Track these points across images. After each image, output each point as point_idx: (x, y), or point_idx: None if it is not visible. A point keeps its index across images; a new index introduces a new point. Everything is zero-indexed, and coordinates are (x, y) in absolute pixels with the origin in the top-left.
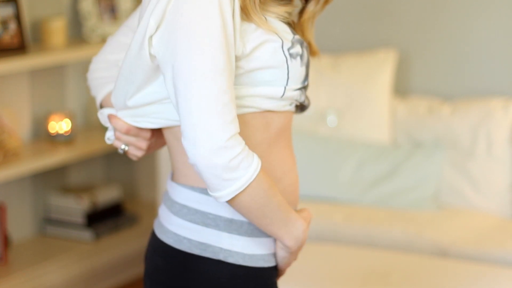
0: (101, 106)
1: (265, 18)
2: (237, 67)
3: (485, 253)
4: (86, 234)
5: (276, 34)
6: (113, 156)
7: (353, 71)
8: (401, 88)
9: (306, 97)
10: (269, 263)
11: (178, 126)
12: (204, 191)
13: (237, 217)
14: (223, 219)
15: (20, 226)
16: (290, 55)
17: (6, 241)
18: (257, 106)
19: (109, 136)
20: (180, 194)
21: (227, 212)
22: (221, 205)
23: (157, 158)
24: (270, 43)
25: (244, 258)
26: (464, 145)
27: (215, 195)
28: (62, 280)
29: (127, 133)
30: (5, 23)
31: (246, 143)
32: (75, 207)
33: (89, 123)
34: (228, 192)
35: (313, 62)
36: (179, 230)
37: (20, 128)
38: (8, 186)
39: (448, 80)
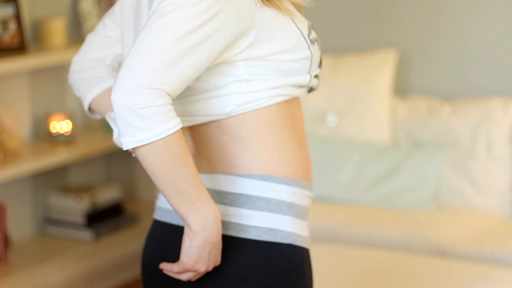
0: (90, 108)
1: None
2: (255, 53)
3: (485, 253)
4: (86, 234)
5: (293, 21)
6: (113, 156)
7: (353, 71)
8: (401, 88)
9: None
10: (308, 245)
11: (227, 119)
12: (264, 177)
13: (295, 200)
14: (285, 204)
15: (20, 226)
16: (311, 41)
17: (6, 241)
18: (290, 93)
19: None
20: (235, 184)
21: (288, 197)
22: (281, 190)
23: None
24: (291, 31)
25: (304, 240)
26: (464, 145)
27: (121, 140)
28: (62, 280)
29: None
30: (5, 23)
31: (285, 132)
32: (75, 207)
33: (89, 123)
34: (132, 140)
35: None
36: (239, 219)
37: (20, 128)
38: (8, 186)
39: (448, 80)
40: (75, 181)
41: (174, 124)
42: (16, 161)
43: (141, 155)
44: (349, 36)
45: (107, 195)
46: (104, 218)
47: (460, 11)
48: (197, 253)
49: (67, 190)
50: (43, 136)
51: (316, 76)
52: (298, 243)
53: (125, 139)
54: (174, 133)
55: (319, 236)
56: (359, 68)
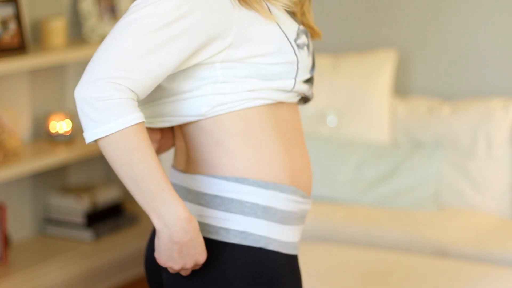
0: None
1: (268, 7)
2: (233, 54)
3: (485, 253)
4: (86, 234)
5: (277, 24)
6: None
7: (353, 71)
8: (401, 88)
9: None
10: (297, 251)
11: (204, 120)
12: (239, 180)
13: (272, 204)
14: (260, 207)
15: (20, 226)
16: (298, 46)
17: (6, 241)
18: (271, 97)
19: None
20: (211, 186)
21: (264, 200)
22: (257, 193)
23: None
24: (274, 34)
25: (281, 245)
26: (464, 145)
27: (84, 134)
28: (62, 280)
29: None
30: (5, 23)
31: (266, 136)
32: (75, 207)
33: None
34: (91, 133)
35: None
36: (212, 221)
37: (20, 128)
38: (8, 186)
39: (448, 80)
40: (75, 181)
41: (131, 118)
42: (16, 161)
43: (101, 148)
44: (349, 36)
45: (107, 195)
46: (104, 218)
47: (460, 11)
48: (165, 252)
49: (67, 190)
50: (43, 136)
51: (308, 82)
52: (272, 247)
53: (85, 133)
54: (131, 127)
55: (319, 236)
56: (359, 68)
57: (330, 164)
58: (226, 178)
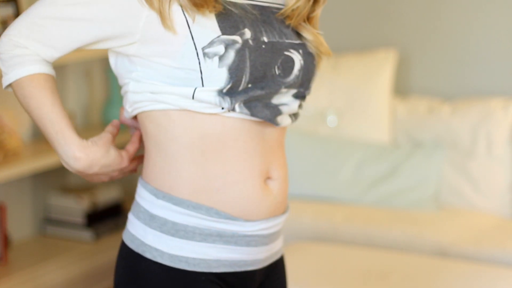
0: None
1: (183, 10)
2: (139, 50)
3: (485, 253)
4: (86, 234)
5: (188, 27)
6: None
7: (353, 71)
8: (401, 88)
9: (269, 108)
10: (197, 268)
11: (135, 116)
12: (143, 183)
13: (160, 214)
14: (149, 214)
15: (20, 226)
16: (205, 54)
17: (6, 241)
18: (173, 103)
19: None
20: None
21: (153, 208)
22: (149, 200)
23: None
24: (180, 37)
25: (163, 256)
26: (464, 145)
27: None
28: (62, 280)
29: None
30: (5, 23)
31: (174, 142)
32: (75, 207)
33: (89, 123)
34: (1, 82)
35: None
36: (128, 222)
37: (20, 128)
38: (8, 186)
39: (448, 80)
40: (75, 181)
41: (24, 71)
42: (16, 161)
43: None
44: (349, 36)
45: (107, 195)
46: (104, 218)
47: (460, 11)
48: (84, 178)
49: (67, 190)
50: (43, 136)
51: (225, 95)
52: (149, 255)
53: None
54: (24, 77)
55: (319, 236)
56: (359, 68)
57: (330, 164)
58: (139, 179)
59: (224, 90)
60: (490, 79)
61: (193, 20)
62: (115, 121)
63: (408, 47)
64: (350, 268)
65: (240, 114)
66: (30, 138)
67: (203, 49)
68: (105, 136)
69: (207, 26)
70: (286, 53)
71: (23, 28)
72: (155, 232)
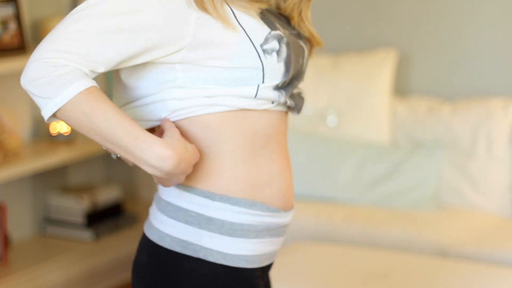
0: None
1: (233, 11)
2: (193, 55)
3: (485, 253)
4: (86, 234)
5: (242, 26)
6: None
7: (353, 71)
8: (401, 88)
9: (296, 97)
10: (253, 265)
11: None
12: (187, 188)
13: (218, 216)
14: (204, 218)
15: (20, 226)
16: (264, 51)
17: (6, 241)
18: (231, 104)
19: None
20: (166, 191)
21: (208, 211)
22: (202, 204)
23: None
24: (236, 37)
25: (225, 257)
26: (464, 145)
27: (42, 115)
28: (62, 280)
29: None
30: (5, 23)
31: (224, 144)
32: (75, 207)
33: None
34: (46, 111)
35: (313, 61)
36: (162, 227)
37: (20, 128)
38: (8, 186)
39: (448, 80)
40: (75, 181)
41: (78, 86)
42: (16, 161)
43: (63, 120)
44: (349, 36)
45: (107, 195)
46: (104, 218)
47: (460, 11)
48: (171, 182)
49: (67, 190)
50: (43, 136)
51: (280, 90)
52: (211, 259)
53: (42, 112)
54: (80, 93)
55: (319, 236)
56: (359, 68)
57: (330, 164)
58: (177, 186)
59: (280, 84)
60: (490, 79)
61: (242, 19)
62: (166, 118)
63: (408, 47)
64: (350, 268)
65: (282, 107)
66: (30, 138)
67: (261, 46)
68: (176, 131)
69: (255, 24)
70: (302, 44)
71: (60, 46)
72: (212, 234)
